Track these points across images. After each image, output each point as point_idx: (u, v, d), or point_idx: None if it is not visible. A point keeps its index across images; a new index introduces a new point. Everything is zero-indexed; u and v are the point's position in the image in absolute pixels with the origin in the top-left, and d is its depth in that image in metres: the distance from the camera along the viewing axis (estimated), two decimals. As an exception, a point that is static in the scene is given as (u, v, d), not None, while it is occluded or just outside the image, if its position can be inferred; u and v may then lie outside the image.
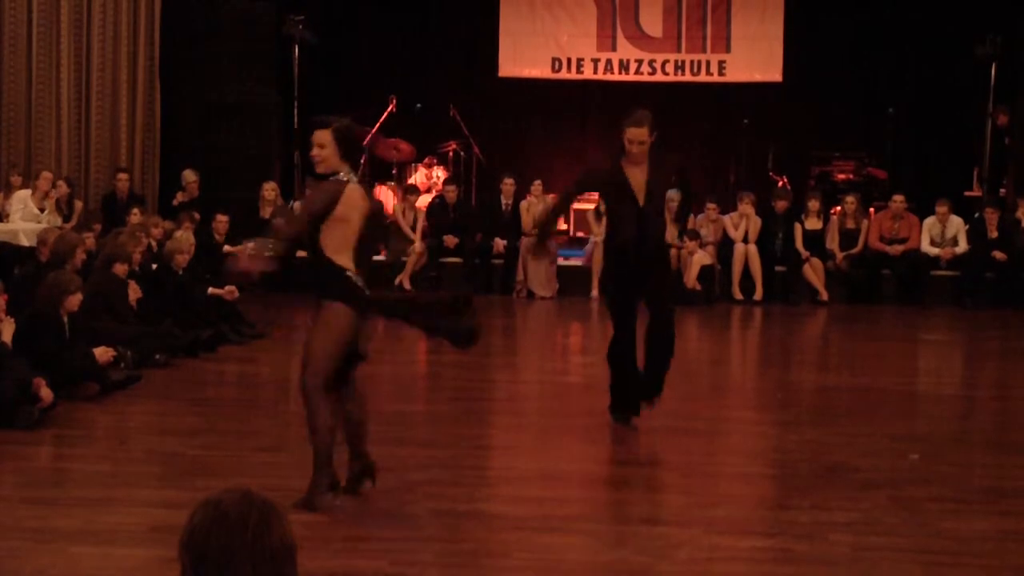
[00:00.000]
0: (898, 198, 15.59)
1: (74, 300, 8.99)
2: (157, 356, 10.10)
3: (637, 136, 7.81)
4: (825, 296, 15.16)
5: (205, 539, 2.44)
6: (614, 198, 8.11)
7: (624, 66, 17.97)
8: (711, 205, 15.55)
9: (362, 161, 17.03)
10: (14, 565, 5.33)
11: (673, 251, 15.06)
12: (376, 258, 15.60)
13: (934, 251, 15.44)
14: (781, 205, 15.56)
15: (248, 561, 2.41)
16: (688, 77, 17.87)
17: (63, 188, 14.26)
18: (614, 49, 17.98)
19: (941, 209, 15.52)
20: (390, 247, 15.75)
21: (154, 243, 12.34)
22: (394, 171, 17.23)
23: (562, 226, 16.73)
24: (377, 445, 7.61)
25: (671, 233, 8.23)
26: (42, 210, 13.69)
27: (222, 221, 14.43)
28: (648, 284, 8.06)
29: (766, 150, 17.42)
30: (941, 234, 15.51)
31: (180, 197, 15.24)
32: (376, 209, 6.94)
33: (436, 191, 16.63)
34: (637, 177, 7.91)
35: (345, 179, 6.08)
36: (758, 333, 13.82)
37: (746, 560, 5.84)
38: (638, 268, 7.99)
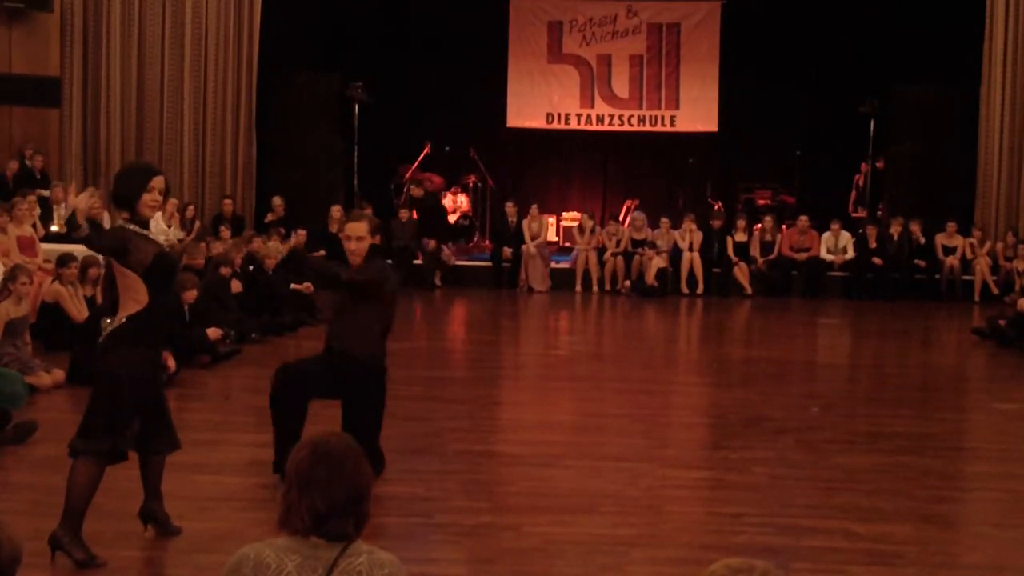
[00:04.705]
0: (803, 218, 15.54)
1: (191, 294, 9.01)
2: (253, 335, 10.11)
3: (354, 231, 5.60)
4: (749, 291, 15.12)
5: (312, 469, 2.41)
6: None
7: (600, 119, 17.91)
8: (665, 221, 15.48)
9: (404, 190, 17.04)
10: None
11: (637, 257, 15.08)
12: (415, 263, 15.59)
13: (829, 257, 15.40)
14: (717, 223, 15.51)
15: (344, 490, 2.39)
16: (648, 127, 17.81)
17: (191, 211, 14.42)
18: (592, 106, 17.90)
19: (835, 226, 15.50)
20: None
21: (251, 251, 12.33)
22: (429, 197, 17.22)
23: (552, 238, 16.66)
24: (416, 402, 7.65)
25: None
26: (169, 226, 13.70)
27: (301, 234, 14.39)
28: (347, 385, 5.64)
29: (706, 182, 17.38)
30: (835, 245, 15.49)
31: (270, 217, 15.20)
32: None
33: (460, 212, 16.58)
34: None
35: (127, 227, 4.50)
36: (699, 318, 13.80)
37: (691, 487, 5.85)
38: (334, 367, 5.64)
